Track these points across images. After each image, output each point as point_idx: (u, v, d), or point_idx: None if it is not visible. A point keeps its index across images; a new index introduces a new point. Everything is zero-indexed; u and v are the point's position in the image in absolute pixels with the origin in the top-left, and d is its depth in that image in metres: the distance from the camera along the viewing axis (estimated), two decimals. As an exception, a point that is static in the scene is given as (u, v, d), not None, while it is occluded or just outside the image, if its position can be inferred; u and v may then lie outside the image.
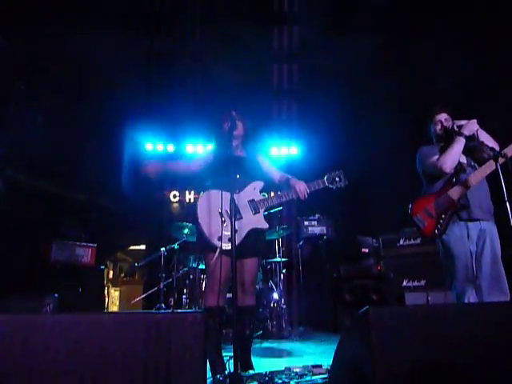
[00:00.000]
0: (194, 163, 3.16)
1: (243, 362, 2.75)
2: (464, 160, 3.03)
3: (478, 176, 2.92)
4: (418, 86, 5.94)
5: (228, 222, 2.72)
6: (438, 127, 3.16)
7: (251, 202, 2.89)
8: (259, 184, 2.99)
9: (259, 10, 6.54)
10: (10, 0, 4.75)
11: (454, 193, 2.92)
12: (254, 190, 2.93)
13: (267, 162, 3.22)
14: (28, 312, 4.15)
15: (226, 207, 2.73)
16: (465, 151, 3.01)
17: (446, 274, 3.00)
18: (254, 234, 2.85)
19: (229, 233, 2.65)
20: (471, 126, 2.97)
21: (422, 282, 4.90)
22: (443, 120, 3.14)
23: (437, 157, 3.01)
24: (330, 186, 3.00)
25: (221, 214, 2.79)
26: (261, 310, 5.07)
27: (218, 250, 2.71)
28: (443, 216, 2.91)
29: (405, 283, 4.96)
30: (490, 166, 2.90)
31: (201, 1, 6.30)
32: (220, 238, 2.71)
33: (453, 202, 2.91)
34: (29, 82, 5.37)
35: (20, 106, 5.22)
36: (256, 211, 2.87)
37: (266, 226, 2.90)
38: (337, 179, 3.01)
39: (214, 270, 2.73)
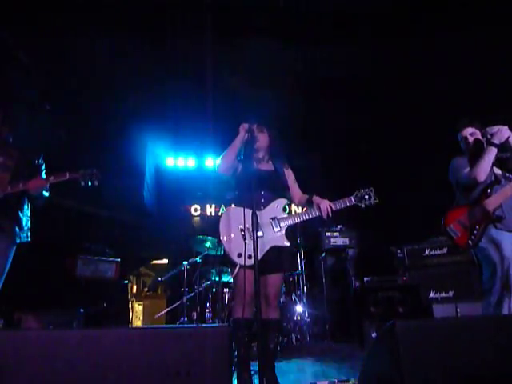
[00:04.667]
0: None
1: (268, 376, 2.73)
2: (499, 171, 2.99)
3: (494, 201, 2.88)
4: (441, 93, 5.86)
5: (249, 239, 2.76)
6: (464, 143, 3.16)
7: (273, 219, 2.88)
8: (282, 202, 2.97)
9: (272, 23, 6.60)
10: (25, 13, 4.91)
11: (489, 204, 2.88)
12: (276, 208, 2.93)
13: (292, 177, 3.20)
14: (54, 327, 4.21)
15: (248, 224, 2.75)
16: (498, 162, 2.97)
17: (483, 282, 2.94)
18: (276, 251, 2.83)
19: (249, 251, 2.69)
20: (501, 134, 2.92)
21: (451, 293, 4.76)
22: (468, 135, 3.12)
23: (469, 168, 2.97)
24: (359, 204, 2.95)
25: (242, 230, 2.81)
26: (285, 323, 5.02)
27: (238, 267, 2.75)
28: (477, 227, 2.88)
29: (432, 295, 4.83)
30: (506, 191, 2.86)
31: (217, 15, 6.40)
32: (240, 255, 2.74)
33: (487, 213, 2.87)
34: (51, 100, 5.53)
35: (45, 124, 5.37)
36: (278, 229, 2.86)
37: (287, 243, 2.87)
38: (366, 197, 2.95)
39: (239, 284, 2.77)
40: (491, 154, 2.90)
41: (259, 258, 2.58)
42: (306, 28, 6.18)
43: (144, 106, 6.64)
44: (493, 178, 2.94)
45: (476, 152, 3.03)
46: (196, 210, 7.92)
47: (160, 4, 6.01)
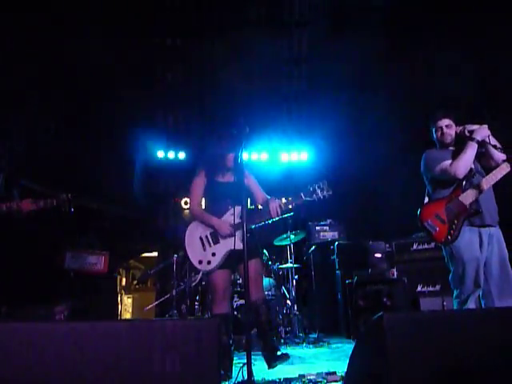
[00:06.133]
0: (197, 200, 3.32)
1: (268, 353, 3.00)
2: (472, 165, 2.98)
3: (489, 181, 2.89)
4: (426, 88, 5.90)
5: (207, 246, 3.11)
6: (438, 134, 3.10)
7: (229, 226, 3.08)
8: (237, 209, 3.09)
9: (268, 16, 6.57)
10: (21, 8, 4.84)
11: (466, 198, 2.88)
12: (231, 216, 3.06)
13: (253, 182, 3.37)
14: (42, 320, 4.18)
15: (207, 233, 3.12)
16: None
17: (453, 279, 2.95)
18: (236, 253, 2.96)
19: (208, 257, 3.06)
20: (483, 132, 2.93)
21: (437, 287, 4.83)
22: (444, 126, 3.08)
23: (449, 162, 2.95)
24: (309, 198, 3.02)
25: (201, 239, 3.13)
26: (274, 316, 5.04)
27: (200, 273, 3.12)
28: (455, 221, 2.87)
29: (419, 288, 4.89)
30: (500, 171, 2.89)
31: (210, 8, 6.35)
32: (200, 262, 3.06)
33: (464, 208, 2.87)
34: (41, 92, 5.45)
35: (33, 117, 5.30)
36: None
37: (240, 246, 2.99)
38: (318, 191, 3.00)
39: (212, 284, 3.11)
40: (473, 149, 2.90)
41: (217, 263, 3.03)
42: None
43: (135, 98, 6.57)
44: (468, 172, 2.92)
45: (456, 145, 3.04)
46: (186, 202, 7.88)
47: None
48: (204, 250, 3.08)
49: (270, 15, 6.55)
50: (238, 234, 2.99)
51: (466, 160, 2.90)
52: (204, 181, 3.28)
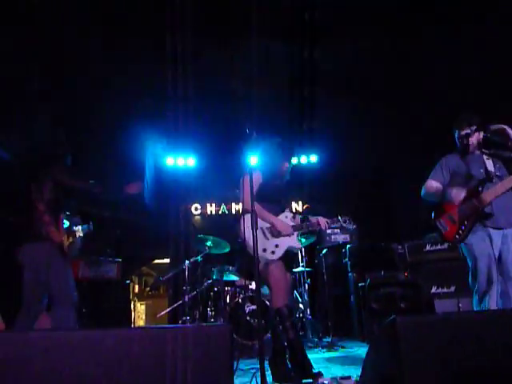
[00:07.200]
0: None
1: (298, 367, 2.92)
2: (492, 169, 3.00)
3: (505, 186, 2.91)
4: (439, 88, 5.86)
5: (270, 237, 3.18)
6: (459, 141, 3.20)
7: None
8: (289, 213, 3.40)
9: (273, 23, 6.58)
10: (23, 7, 4.91)
11: (480, 201, 2.90)
12: (286, 218, 3.31)
13: None
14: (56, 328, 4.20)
15: (265, 226, 3.20)
16: (499, 160, 3.03)
17: (470, 276, 2.99)
18: (289, 253, 3.24)
19: (272, 247, 3.14)
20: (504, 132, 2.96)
21: (452, 289, 4.77)
22: (464, 136, 3.13)
23: (431, 182, 3.25)
24: (344, 225, 3.41)
25: (262, 230, 3.19)
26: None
27: (265, 260, 3.10)
28: (465, 222, 2.93)
29: (434, 290, 4.83)
30: (509, 182, 2.90)
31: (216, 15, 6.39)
32: (265, 250, 3.10)
33: (477, 210, 2.90)
34: (50, 99, 5.52)
35: (45, 123, 5.37)
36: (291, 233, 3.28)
37: (299, 246, 3.38)
38: (347, 221, 3.41)
39: (275, 276, 3.07)
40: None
41: (280, 255, 3.12)
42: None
43: (144, 105, 6.64)
44: (484, 176, 2.97)
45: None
46: (196, 208, 7.92)
47: (159, 6, 6.02)
48: (267, 240, 3.16)
49: (277, 21, 6.57)
50: (296, 234, 3.27)
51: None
52: (260, 179, 3.31)
